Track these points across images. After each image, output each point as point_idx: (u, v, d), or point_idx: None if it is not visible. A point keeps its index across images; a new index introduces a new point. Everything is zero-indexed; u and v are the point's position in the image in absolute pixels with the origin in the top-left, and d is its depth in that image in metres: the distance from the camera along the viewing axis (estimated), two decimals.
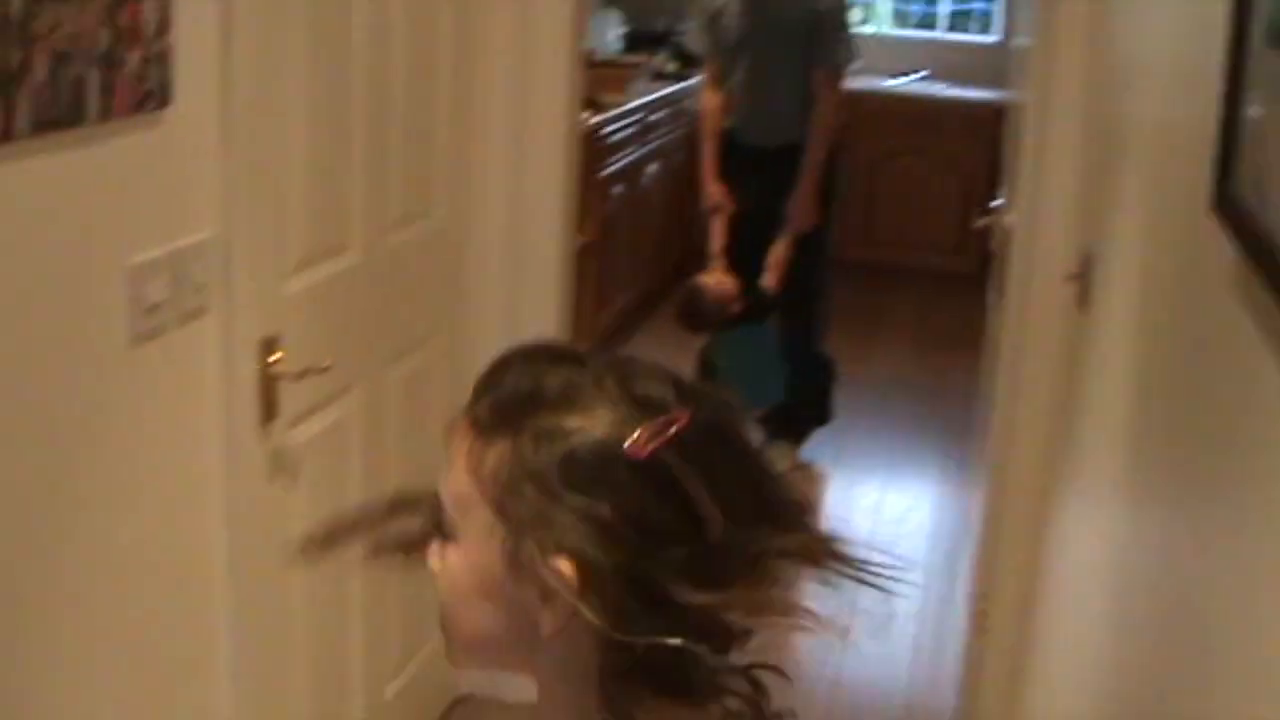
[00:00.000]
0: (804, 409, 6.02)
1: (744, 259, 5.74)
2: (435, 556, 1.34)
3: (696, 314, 5.77)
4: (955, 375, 6.91)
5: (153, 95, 2.31)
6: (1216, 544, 1.58)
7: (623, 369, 1.28)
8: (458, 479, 1.29)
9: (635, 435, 1.21)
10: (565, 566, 1.18)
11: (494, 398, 1.30)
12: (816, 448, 6.09)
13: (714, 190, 5.88)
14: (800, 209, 5.68)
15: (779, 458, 5.91)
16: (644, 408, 1.23)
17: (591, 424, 1.22)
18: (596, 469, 1.20)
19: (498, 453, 1.25)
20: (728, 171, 5.87)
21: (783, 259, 5.70)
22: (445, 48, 3.50)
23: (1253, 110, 1.34)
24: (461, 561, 1.30)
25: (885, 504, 5.76)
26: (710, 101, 5.93)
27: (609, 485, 1.20)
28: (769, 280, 5.70)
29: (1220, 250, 1.48)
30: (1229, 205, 1.41)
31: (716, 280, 5.76)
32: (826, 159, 5.73)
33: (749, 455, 1.28)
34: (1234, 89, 1.39)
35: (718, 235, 5.86)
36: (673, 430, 1.21)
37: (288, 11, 2.72)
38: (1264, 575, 1.33)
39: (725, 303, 5.70)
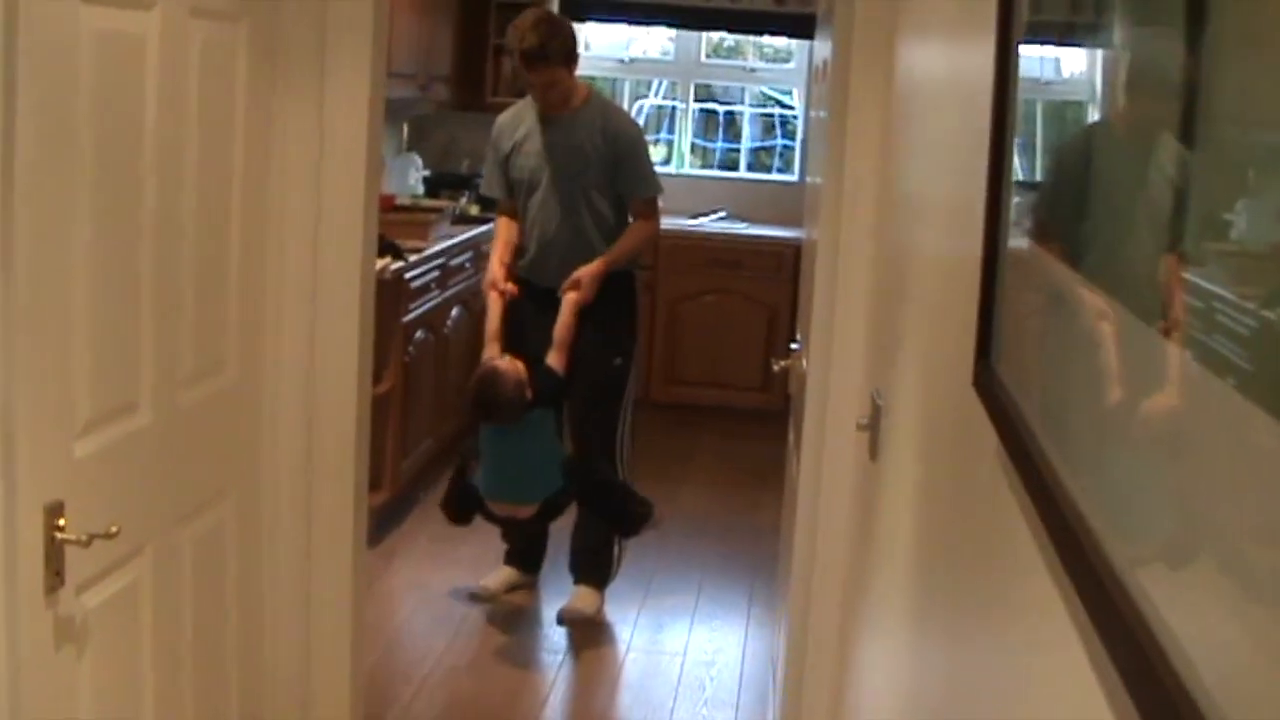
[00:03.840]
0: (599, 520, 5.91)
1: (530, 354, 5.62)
2: None
3: (493, 402, 5.37)
4: (762, 513, 6.98)
5: None
6: (984, 662, 1.72)
7: None
8: None
9: None
10: None
11: None
12: (623, 591, 6.09)
13: (498, 273, 5.75)
14: (588, 280, 5.61)
15: (585, 602, 5.89)
16: None
17: None
18: None
19: None
20: (524, 315, 5.79)
21: (566, 334, 5.59)
22: (236, 197, 3.47)
23: (1008, 292, 1.40)
24: None
25: (693, 645, 5.76)
26: (503, 224, 5.94)
27: None
28: (553, 358, 5.56)
29: (982, 421, 1.54)
30: (986, 384, 1.46)
31: (511, 364, 5.42)
32: (625, 296, 5.77)
33: None
34: (990, 273, 1.45)
35: (495, 314, 5.70)
36: None
37: (72, 166, 2.67)
38: (1021, 687, 1.48)
39: (522, 389, 5.36)
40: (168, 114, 3.05)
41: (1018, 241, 1.45)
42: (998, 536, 1.58)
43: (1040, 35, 1.52)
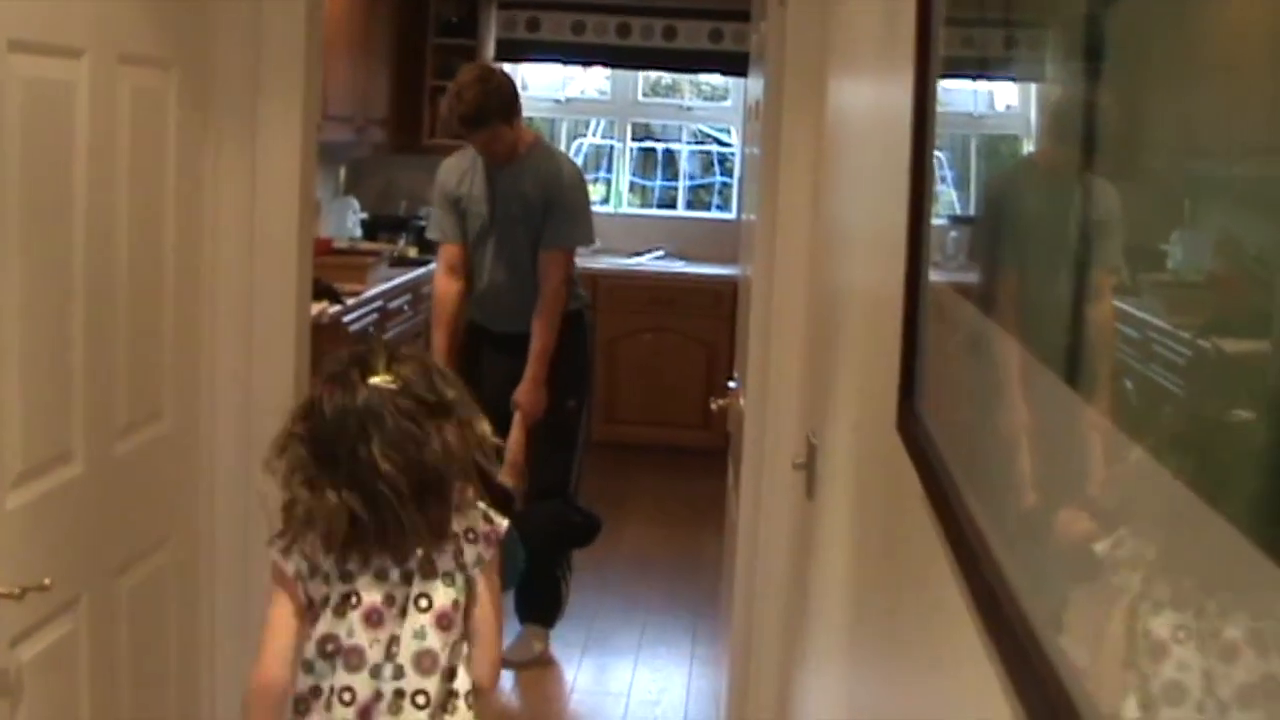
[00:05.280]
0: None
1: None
2: None
3: None
4: (703, 551, 6.96)
5: None
6: (910, 692, 1.76)
7: None
8: None
9: None
10: None
11: None
12: (566, 632, 6.06)
13: None
14: (529, 398, 5.63)
15: (530, 643, 5.87)
16: None
17: None
18: None
19: None
20: (476, 358, 5.83)
21: (519, 454, 5.64)
22: (169, 243, 3.45)
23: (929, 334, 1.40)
24: None
25: (637, 685, 5.74)
26: (443, 287, 5.86)
27: None
28: (505, 476, 5.61)
29: (907, 463, 1.54)
30: (909, 427, 1.46)
31: None
32: (575, 337, 5.78)
33: None
34: (912, 312, 1.45)
35: None
36: None
37: (1, 215, 2.66)
38: (944, 714, 1.52)
39: None
40: (98, 161, 3.03)
41: (941, 278, 1.45)
42: (923, 575, 1.60)
43: (960, 70, 1.52)
